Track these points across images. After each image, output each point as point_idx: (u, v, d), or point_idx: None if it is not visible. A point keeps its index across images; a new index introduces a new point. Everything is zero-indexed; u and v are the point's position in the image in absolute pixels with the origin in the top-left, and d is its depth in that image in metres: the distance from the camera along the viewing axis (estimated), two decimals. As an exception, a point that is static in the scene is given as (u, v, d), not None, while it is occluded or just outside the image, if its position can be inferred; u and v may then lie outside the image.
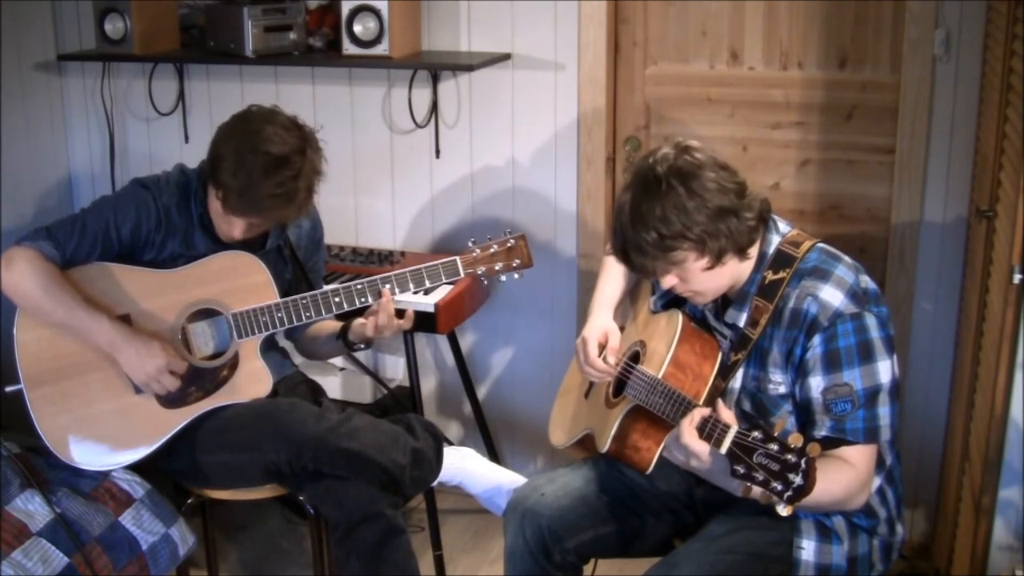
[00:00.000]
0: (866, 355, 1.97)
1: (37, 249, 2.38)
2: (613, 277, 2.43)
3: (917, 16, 2.77)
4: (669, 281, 2.05)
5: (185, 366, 2.42)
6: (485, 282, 2.52)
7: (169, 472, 2.57)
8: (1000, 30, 2.41)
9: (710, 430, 1.85)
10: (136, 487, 2.47)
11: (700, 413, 1.89)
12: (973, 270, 2.63)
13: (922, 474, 3.00)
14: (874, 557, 2.10)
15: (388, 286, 2.46)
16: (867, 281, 2.05)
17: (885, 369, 1.98)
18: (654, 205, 1.96)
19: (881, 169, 2.97)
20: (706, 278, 2.04)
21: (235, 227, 2.42)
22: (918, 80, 2.80)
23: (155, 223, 2.45)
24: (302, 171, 2.37)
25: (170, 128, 3.65)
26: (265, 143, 2.33)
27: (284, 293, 2.52)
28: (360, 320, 2.51)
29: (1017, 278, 2.00)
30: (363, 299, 2.45)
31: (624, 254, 2.04)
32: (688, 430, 1.88)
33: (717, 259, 2.00)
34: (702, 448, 1.87)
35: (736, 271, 2.07)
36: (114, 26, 3.36)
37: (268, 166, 2.32)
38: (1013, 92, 2.21)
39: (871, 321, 1.98)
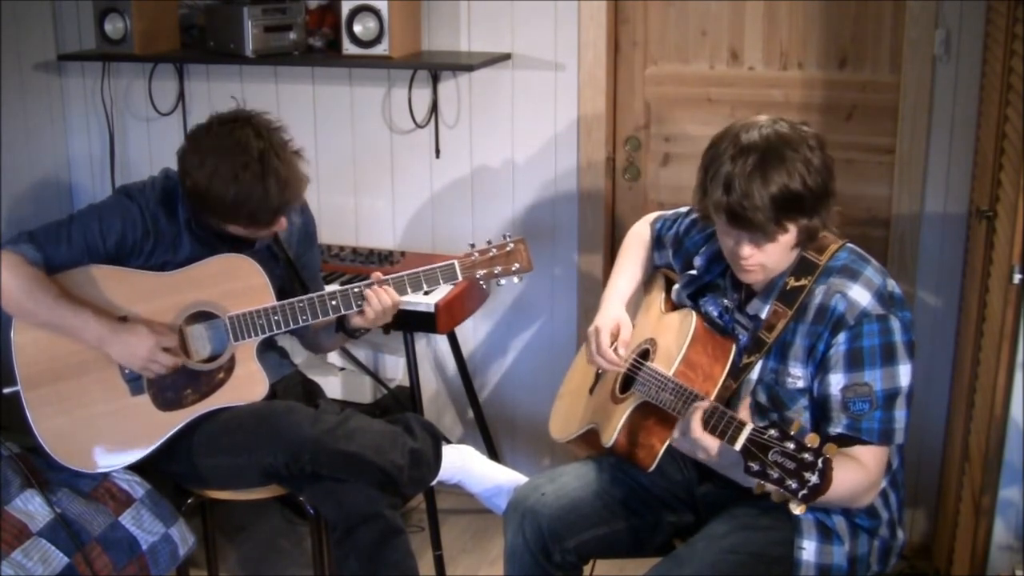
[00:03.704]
0: (889, 357, 1.97)
1: (20, 254, 2.38)
2: (628, 269, 2.42)
3: (917, 16, 2.77)
4: (749, 248, 2.02)
5: (175, 339, 2.41)
6: (484, 286, 2.51)
7: (168, 474, 2.57)
8: (1000, 30, 2.41)
9: (725, 427, 1.86)
10: (136, 487, 2.47)
11: (708, 404, 1.90)
12: (973, 270, 2.63)
13: (922, 474, 2.99)
14: (872, 558, 2.11)
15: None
16: (893, 285, 2.05)
17: (905, 373, 1.99)
18: (796, 156, 1.94)
19: (881, 169, 2.97)
20: (780, 254, 2.03)
21: (277, 224, 2.45)
22: (918, 80, 2.80)
23: (141, 233, 2.45)
24: (274, 148, 2.37)
25: (170, 128, 3.65)
26: (241, 157, 2.33)
27: (277, 292, 2.51)
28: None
29: (1017, 278, 2.00)
30: (360, 302, 2.44)
31: (734, 206, 1.94)
32: (696, 422, 1.89)
33: (807, 239, 2.02)
34: (711, 443, 1.88)
35: (789, 260, 2.07)
36: (114, 26, 3.36)
37: (258, 175, 2.33)
38: (1013, 92, 2.21)
39: (896, 324, 1.99)
